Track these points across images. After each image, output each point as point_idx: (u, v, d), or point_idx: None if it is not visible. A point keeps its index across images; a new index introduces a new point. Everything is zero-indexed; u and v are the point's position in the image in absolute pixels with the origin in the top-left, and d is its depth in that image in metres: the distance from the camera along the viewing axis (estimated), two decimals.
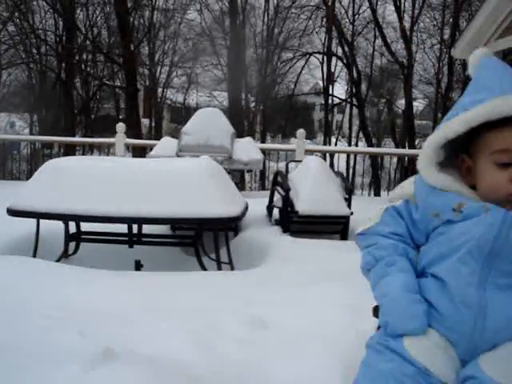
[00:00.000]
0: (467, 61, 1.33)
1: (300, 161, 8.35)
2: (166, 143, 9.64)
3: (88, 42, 25.34)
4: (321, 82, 31.30)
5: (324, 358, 3.38)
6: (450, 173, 1.19)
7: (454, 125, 1.15)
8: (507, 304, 1.03)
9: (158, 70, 28.42)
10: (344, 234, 7.14)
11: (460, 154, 1.20)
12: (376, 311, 1.22)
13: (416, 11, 24.51)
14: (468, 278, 1.06)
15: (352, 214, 6.97)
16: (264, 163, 21.46)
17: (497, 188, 1.10)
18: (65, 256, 6.10)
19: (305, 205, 6.78)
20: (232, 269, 6.00)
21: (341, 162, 26.25)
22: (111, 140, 11.66)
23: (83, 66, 26.15)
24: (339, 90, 32.24)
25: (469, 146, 1.19)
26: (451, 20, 23.73)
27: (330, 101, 30.32)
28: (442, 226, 1.14)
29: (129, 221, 5.59)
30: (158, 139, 10.85)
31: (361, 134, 27.75)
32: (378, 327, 1.19)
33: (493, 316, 1.03)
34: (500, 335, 1.03)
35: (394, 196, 1.27)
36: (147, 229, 6.27)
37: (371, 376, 1.09)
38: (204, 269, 5.66)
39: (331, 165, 23.23)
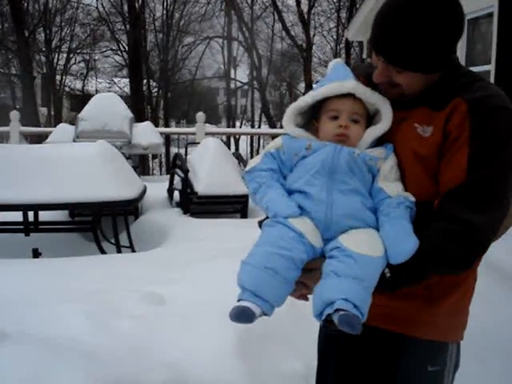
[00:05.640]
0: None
1: (198, 143, 8.42)
2: (63, 130, 9.46)
3: None
4: (223, 67, 31.37)
5: (216, 329, 3.51)
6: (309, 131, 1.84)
7: (305, 98, 1.81)
8: (344, 200, 1.65)
9: (56, 56, 27.55)
10: (244, 213, 7.32)
11: (313, 120, 1.83)
12: (260, 223, 1.75)
13: None
14: (320, 186, 1.67)
15: None
16: (168, 148, 21.40)
17: (329, 132, 1.73)
18: None
19: (203, 185, 6.88)
20: (133, 251, 6.02)
21: (246, 146, 26.53)
22: (5, 129, 11.32)
23: None
24: (242, 74, 32.47)
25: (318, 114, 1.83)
26: (348, 3, 24.30)
27: (232, 85, 30.45)
28: (300, 161, 1.74)
29: (24, 208, 5.49)
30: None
31: (264, 118, 28.07)
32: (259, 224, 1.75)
33: (336, 208, 1.65)
34: (342, 219, 1.65)
35: (269, 147, 1.83)
36: (45, 216, 6.18)
37: (265, 238, 1.63)
38: (103, 253, 5.65)
39: (236, 148, 23.45)
